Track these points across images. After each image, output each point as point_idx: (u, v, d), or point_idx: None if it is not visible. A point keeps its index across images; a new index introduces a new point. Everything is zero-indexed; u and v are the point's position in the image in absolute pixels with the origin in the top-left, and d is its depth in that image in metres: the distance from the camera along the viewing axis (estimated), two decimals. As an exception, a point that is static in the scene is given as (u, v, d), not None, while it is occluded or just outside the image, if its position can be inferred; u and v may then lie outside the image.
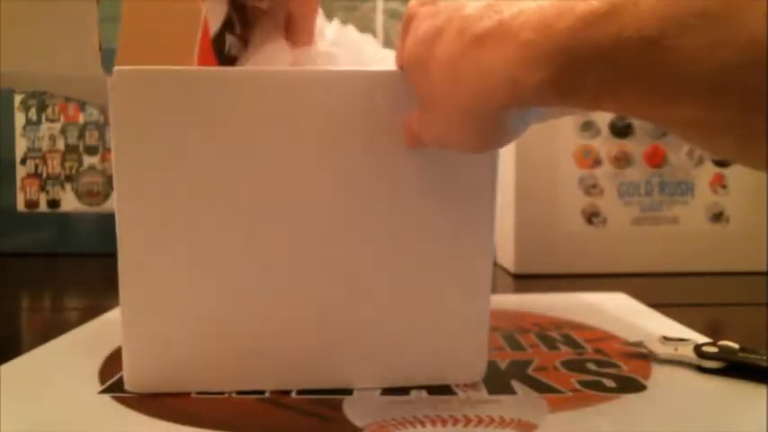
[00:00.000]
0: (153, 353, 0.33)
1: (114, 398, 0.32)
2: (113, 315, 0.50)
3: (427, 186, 0.32)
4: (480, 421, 0.29)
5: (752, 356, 0.35)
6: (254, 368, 0.33)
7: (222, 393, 0.33)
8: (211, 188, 0.32)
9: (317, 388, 0.33)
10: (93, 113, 0.87)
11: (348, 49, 0.41)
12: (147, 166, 0.32)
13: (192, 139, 0.31)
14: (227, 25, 0.35)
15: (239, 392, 0.33)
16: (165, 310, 0.33)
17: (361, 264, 0.33)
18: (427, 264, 0.33)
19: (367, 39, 0.45)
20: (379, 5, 0.95)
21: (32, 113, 0.85)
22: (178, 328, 0.33)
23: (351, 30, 0.44)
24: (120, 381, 0.35)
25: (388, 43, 0.95)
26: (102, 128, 0.87)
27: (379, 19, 0.96)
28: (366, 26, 0.95)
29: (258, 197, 0.32)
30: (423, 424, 0.29)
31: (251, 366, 0.33)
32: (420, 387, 0.34)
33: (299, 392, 0.33)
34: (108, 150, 0.89)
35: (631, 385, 0.34)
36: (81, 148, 0.87)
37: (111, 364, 0.38)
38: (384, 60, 0.40)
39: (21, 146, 0.86)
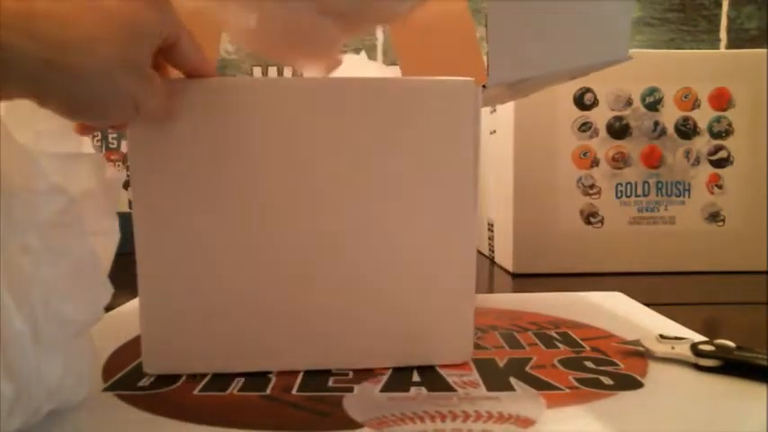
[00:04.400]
0: (169, 337, 0.36)
1: (117, 395, 0.33)
2: (117, 313, 0.50)
3: (413, 183, 0.36)
4: (479, 417, 0.29)
5: (748, 355, 0.35)
6: (262, 351, 0.36)
7: (224, 391, 0.33)
8: (220, 184, 0.35)
9: (315, 368, 0.36)
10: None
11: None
12: (162, 167, 0.34)
13: (200, 143, 0.34)
14: None
15: (241, 389, 0.33)
16: (180, 298, 0.35)
17: (355, 257, 0.36)
18: (415, 252, 0.36)
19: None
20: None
21: (34, 114, 0.86)
22: (192, 314, 0.35)
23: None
24: (124, 378, 0.35)
25: (387, 49, 0.96)
26: (104, 129, 0.88)
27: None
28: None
29: (264, 193, 0.35)
30: (422, 419, 0.29)
31: (259, 349, 0.36)
32: (410, 367, 0.36)
33: (300, 389, 0.33)
34: (110, 151, 0.89)
35: (628, 383, 0.34)
36: (82, 149, 0.87)
37: (115, 362, 0.38)
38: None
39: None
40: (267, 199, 0.35)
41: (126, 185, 0.89)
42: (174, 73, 0.34)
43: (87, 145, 0.33)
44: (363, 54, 0.56)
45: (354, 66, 0.51)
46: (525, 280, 0.70)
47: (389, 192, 0.36)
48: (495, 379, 0.35)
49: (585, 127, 0.72)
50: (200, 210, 0.35)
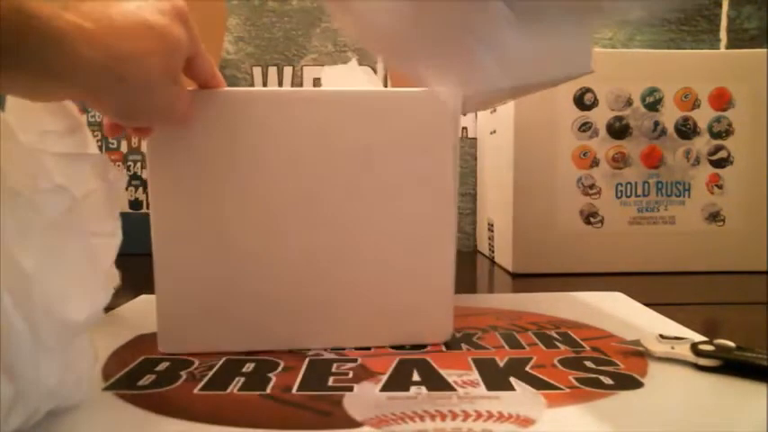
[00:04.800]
0: (182, 319, 0.40)
1: (117, 394, 0.33)
2: (117, 313, 0.50)
3: (398, 183, 0.40)
4: (479, 416, 0.30)
5: (748, 355, 0.35)
6: (266, 333, 0.40)
7: (224, 390, 0.33)
8: (228, 182, 0.39)
9: (315, 347, 0.40)
10: (96, 115, 0.88)
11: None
12: (176, 165, 0.38)
13: (209, 146, 0.38)
14: None
15: (241, 389, 0.33)
16: (192, 284, 0.39)
17: (349, 250, 0.40)
18: (401, 245, 0.40)
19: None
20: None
21: (34, 114, 0.86)
22: (204, 298, 0.39)
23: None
24: (124, 377, 0.35)
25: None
26: (103, 129, 0.88)
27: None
28: (365, 28, 0.96)
29: (266, 191, 0.39)
30: (422, 418, 0.29)
31: (264, 331, 0.40)
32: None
33: (300, 388, 0.34)
34: (110, 150, 0.89)
35: (629, 382, 0.34)
36: (83, 149, 0.87)
37: (115, 362, 0.38)
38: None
39: (21, 146, 0.86)
40: (269, 196, 0.39)
41: (126, 187, 0.89)
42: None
43: (92, 145, 0.34)
44: (354, 62, 0.56)
45: (345, 74, 0.56)
46: (525, 280, 0.70)
47: (377, 191, 0.40)
48: (495, 378, 0.35)
49: (585, 127, 0.72)
50: (211, 204, 0.39)
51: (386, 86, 0.79)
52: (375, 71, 0.87)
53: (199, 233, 0.39)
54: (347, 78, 0.54)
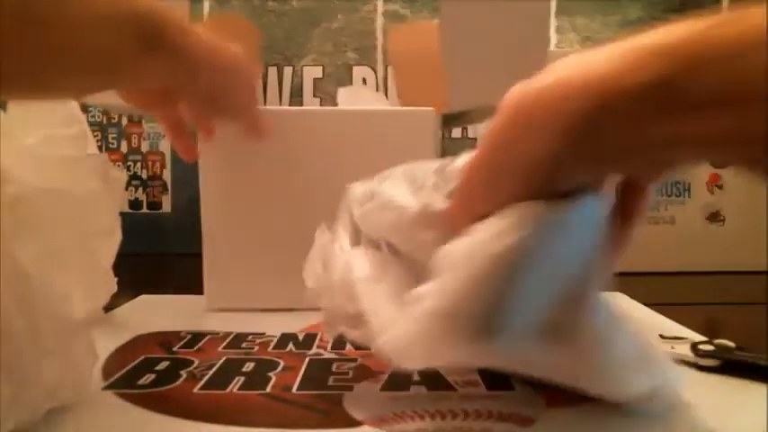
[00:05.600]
0: (226, 281, 0.50)
1: (117, 393, 0.33)
2: (117, 313, 0.50)
3: None
4: (479, 415, 0.30)
5: (748, 355, 0.35)
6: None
7: (224, 389, 0.33)
8: (263, 175, 0.50)
9: None
10: (96, 114, 0.88)
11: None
12: (227, 168, 0.50)
13: (250, 151, 0.49)
14: None
15: (241, 388, 0.33)
16: (237, 250, 0.50)
17: None
18: None
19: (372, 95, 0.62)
20: (380, 7, 0.96)
21: (34, 114, 0.86)
22: (246, 263, 0.50)
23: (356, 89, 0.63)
24: (124, 376, 0.35)
25: (386, 45, 0.96)
26: (105, 128, 0.88)
27: (379, 21, 0.96)
28: (366, 28, 0.96)
29: (287, 181, 0.51)
30: (422, 418, 0.29)
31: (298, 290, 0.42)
32: None
33: (300, 387, 0.34)
34: (110, 150, 0.90)
35: (628, 382, 0.34)
36: (83, 149, 0.87)
37: (115, 361, 0.38)
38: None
39: (22, 146, 0.86)
40: (291, 184, 0.50)
41: (126, 187, 0.89)
42: None
43: (92, 145, 0.34)
44: (361, 82, 0.61)
45: (353, 94, 0.66)
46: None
47: None
48: (495, 378, 0.35)
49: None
50: (250, 189, 0.50)
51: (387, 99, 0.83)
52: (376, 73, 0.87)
53: (244, 212, 0.49)
54: (359, 97, 0.65)
